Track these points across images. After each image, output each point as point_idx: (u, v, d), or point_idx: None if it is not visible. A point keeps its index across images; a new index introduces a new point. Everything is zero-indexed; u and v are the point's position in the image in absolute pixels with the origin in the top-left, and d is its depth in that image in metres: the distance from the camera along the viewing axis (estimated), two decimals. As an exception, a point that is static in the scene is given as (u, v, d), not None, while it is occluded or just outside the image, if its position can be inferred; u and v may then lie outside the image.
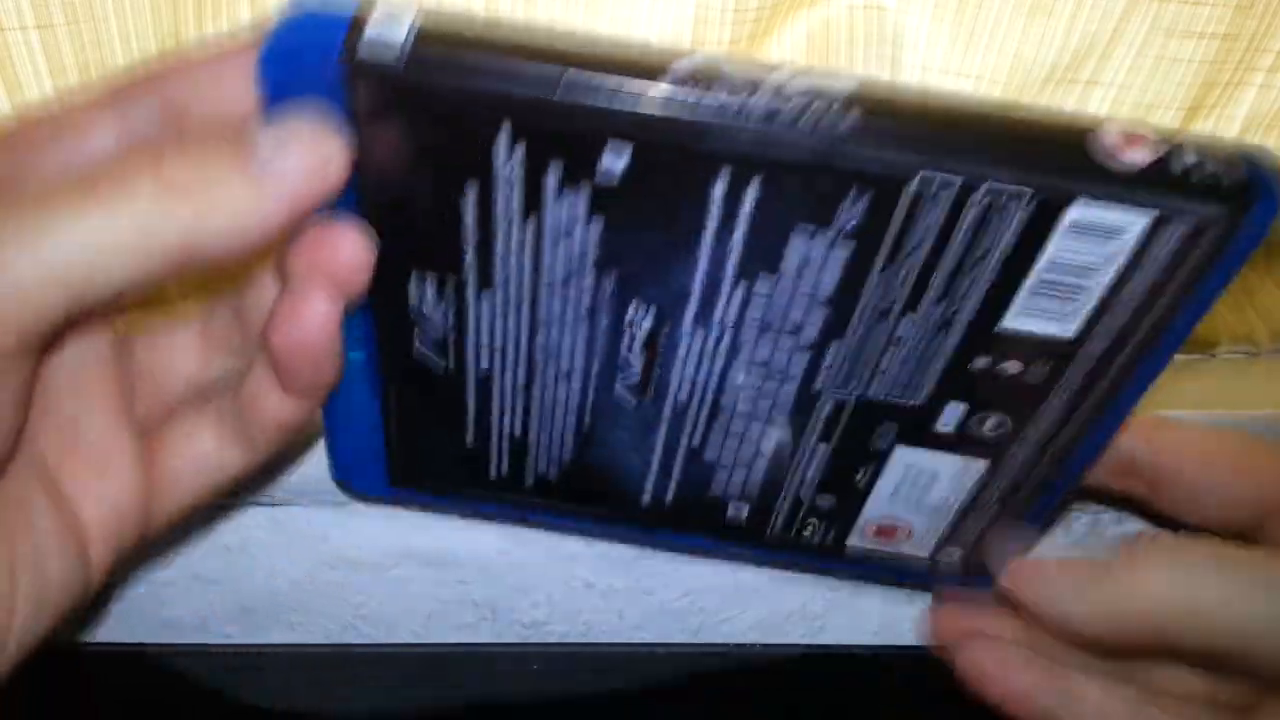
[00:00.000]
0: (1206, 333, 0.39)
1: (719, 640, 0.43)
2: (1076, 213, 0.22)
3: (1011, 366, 0.25)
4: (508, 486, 0.30)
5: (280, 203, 0.19)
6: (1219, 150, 0.22)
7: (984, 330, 0.24)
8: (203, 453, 0.25)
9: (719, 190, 0.22)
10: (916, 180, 0.21)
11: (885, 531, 0.30)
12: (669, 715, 0.46)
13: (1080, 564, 0.27)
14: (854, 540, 0.31)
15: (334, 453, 0.30)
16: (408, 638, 0.42)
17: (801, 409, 0.27)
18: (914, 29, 0.33)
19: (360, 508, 0.37)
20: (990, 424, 0.26)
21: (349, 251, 0.21)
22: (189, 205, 0.18)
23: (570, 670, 0.43)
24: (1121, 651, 0.27)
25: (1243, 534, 0.27)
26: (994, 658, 0.29)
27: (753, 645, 0.43)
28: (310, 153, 0.19)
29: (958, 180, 0.21)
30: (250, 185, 0.19)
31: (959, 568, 0.31)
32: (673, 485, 0.29)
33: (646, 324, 0.25)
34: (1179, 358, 0.42)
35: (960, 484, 0.28)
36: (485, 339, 0.26)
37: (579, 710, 0.44)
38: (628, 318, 0.25)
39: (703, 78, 0.20)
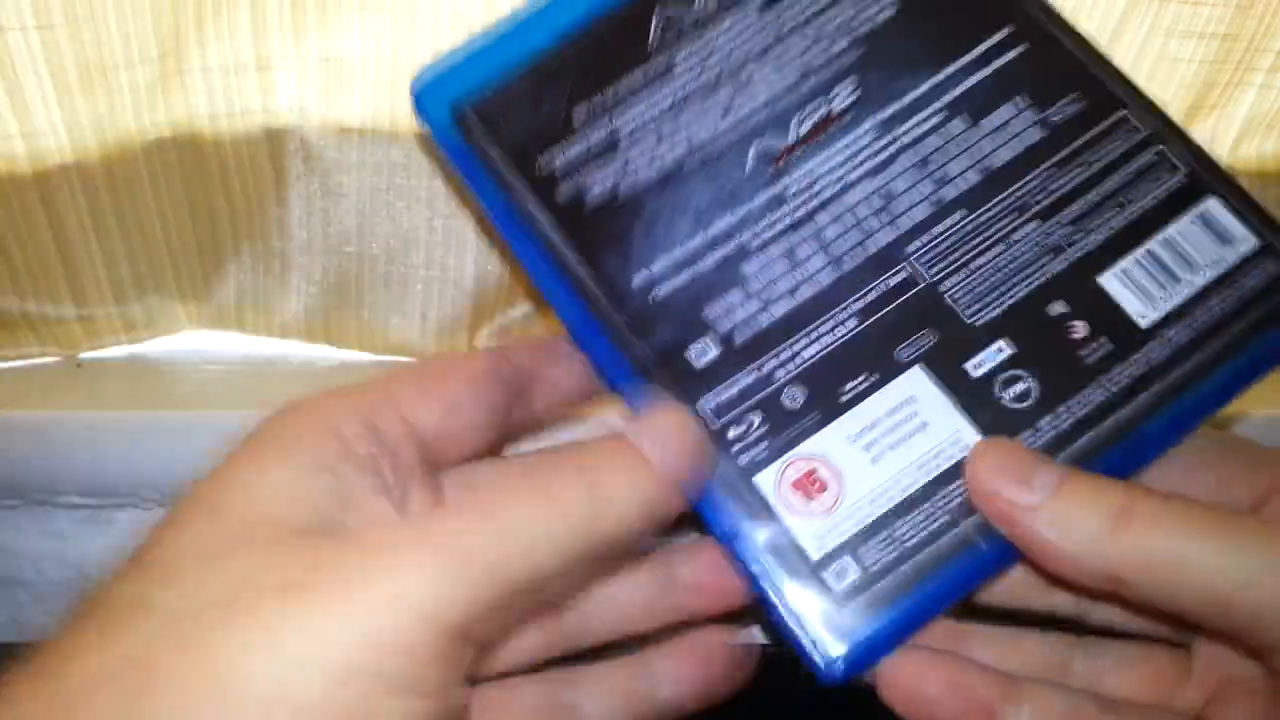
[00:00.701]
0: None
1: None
2: (1209, 205, 0.26)
3: (1079, 329, 0.25)
4: None
5: (674, 487, 0.23)
6: None
7: (1083, 274, 0.26)
8: None
9: (994, 39, 0.27)
10: (1120, 113, 0.27)
11: (805, 483, 0.25)
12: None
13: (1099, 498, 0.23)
14: (764, 478, 0.25)
15: None
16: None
17: (876, 265, 0.26)
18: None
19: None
20: (1016, 390, 0.25)
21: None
22: (614, 507, 0.22)
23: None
24: (1088, 592, 0.25)
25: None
26: (920, 669, 0.25)
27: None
28: (685, 438, 0.24)
29: (1145, 131, 0.26)
30: (654, 479, 0.22)
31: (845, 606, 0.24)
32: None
33: (838, 106, 0.28)
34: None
35: (939, 455, 0.25)
36: None
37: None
38: (832, 92, 0.28)
39: None
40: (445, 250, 0.36)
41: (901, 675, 0.24)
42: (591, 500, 0.21)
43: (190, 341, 0.39)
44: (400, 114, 0.34)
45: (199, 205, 0.35)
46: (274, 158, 0.34)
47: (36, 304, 0.35)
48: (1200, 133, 0.37)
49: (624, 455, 0.22)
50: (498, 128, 0.28)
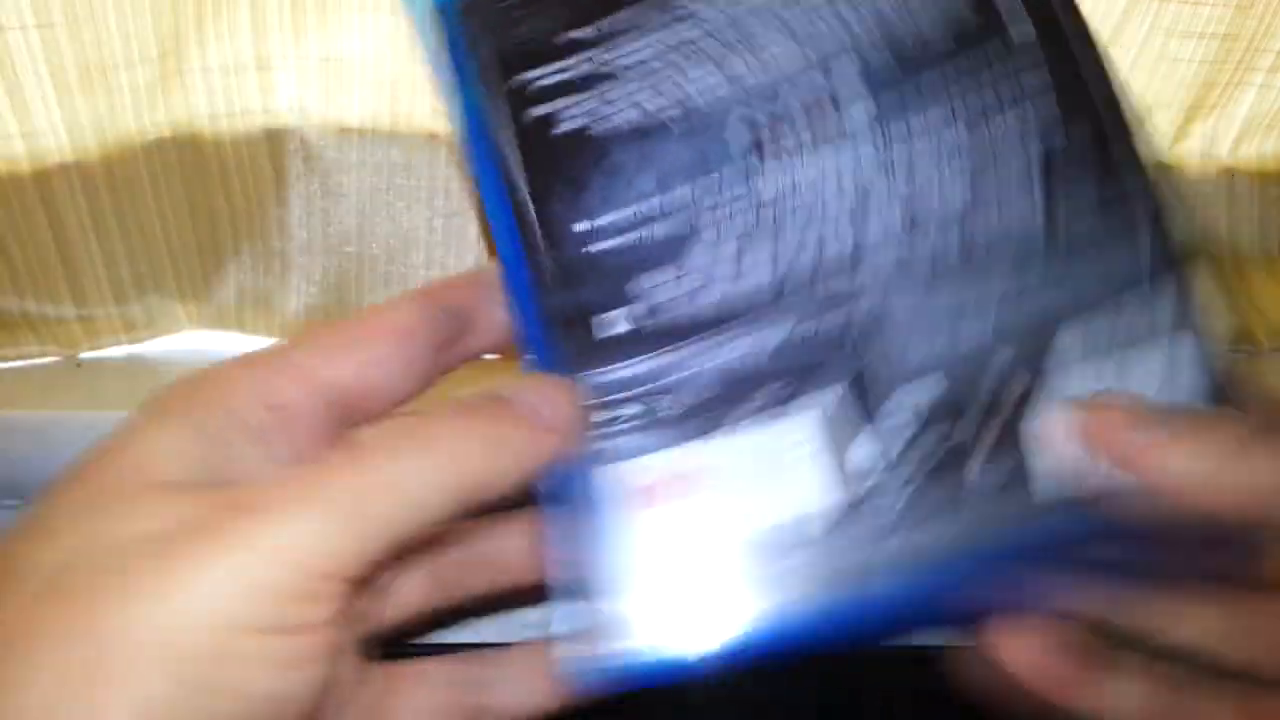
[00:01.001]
0: (1206, 332, 0.39)
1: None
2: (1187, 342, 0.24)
3: (980, 453, 0.24)
4: None
5: (548, 454, 0.23)
6: None
7: (1016, 418, 0.24)
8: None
9: (1029, 89, 0.25)
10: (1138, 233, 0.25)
11: (648, 492, 0.24)
12: (671, 713, 0.46)
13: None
14: (612, 471, 0.24)
15: None
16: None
17: (822, 297, 0.25)
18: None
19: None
20: (898, 474, 0.24)
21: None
22: (487, 460, 0.22)
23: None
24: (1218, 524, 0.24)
25: None
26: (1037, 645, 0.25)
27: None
28: (565, 405, 0.24)
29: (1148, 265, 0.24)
30: (529, 437, 0.23)
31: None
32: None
33: (845, 110, 0.25)
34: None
35: (788, 515, 0.24)
36: None
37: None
38: (843, 92, 0.26)
39: None
40: (445, 250, 0.36)
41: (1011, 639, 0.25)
42: (465, 454, 0.21)
43: (190, 341, 0.39)
44: (400, 114, 0.34)
45: (199, 205, 0.35)
46: (274, 158, 0.34)
47: (36, 304, 0.35)
48: (1200, 132, 0.37)
49: (503, 411, 0.23)
50: (493, 26, 0.26)
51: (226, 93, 0.33)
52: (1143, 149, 0.25)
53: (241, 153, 0.34)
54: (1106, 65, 0.25)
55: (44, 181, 0.33)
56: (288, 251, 0.36)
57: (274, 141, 0.34)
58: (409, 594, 0.27)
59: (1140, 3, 0.33)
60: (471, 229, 0.36)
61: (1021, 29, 0.25)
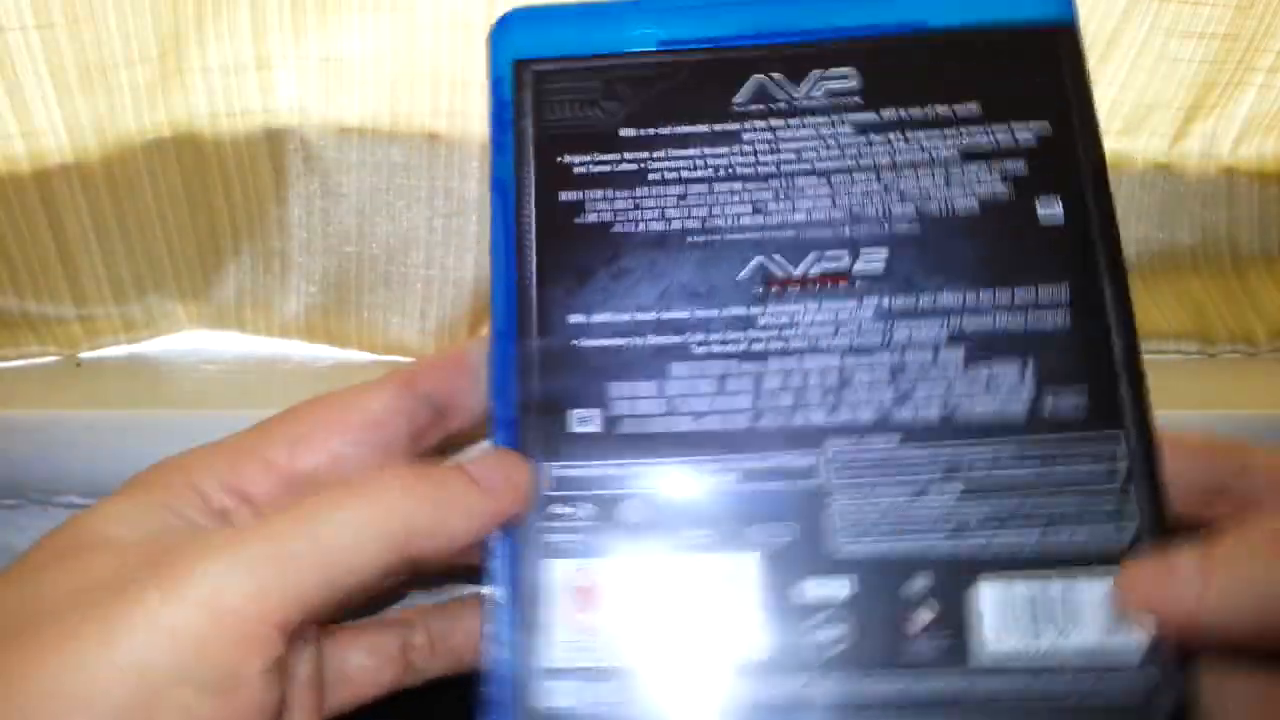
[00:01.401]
0: (1206, 332, 0.39)
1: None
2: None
3: (925, 615, 0.24)
4: None
5: (492, 514, 0.23)
6: None
7: (969, 568, 0.24)
8: None
9: (1043, 289, 0.25)
10: (1115, 432, 0.24)
11: (586, 595, 0.24)
12: None
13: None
14: (556, 566, 0.24)
15: None
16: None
17: (790, 438, 0.25)
18: None
19: None
20: (830, 633, 0.24)
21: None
22: (431, 506, 0.22)
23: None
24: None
25: None
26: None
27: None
28: (517, 480, 0.24)
29: (1124, 463, 0.24)
30: (479, 497, 0.23)
31: None
32: None
33: (858, 269, 0.25)
34: (1179, 357, 0.42)
35: (710, 652, 0.24)
36: None
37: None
38: (861, 252, 0.26)
39: None
40: (445, 250, 0.36)
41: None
42: (406, 505, 0.22)
43: (190, 341, 0.39)
44: (400, 114, 0.34)
45: (199, 205, 0.35)
46: (274, 158, 0.34)
47: (36, 304, 0.35)
48: (1200, 132, 0.37)
49: (453, 470, 0.23)
50: (547, 100, 0.27)
51: (226, 93, 0.33)
52: (1148, 407, 0.24)
53: (241, 152, 0.34)
54: (1127, 286, 0.25)
55: (44, 181, 0.33)
56: (288, 251, 0.36)
57: (274, 141, 0.34)
58: (368, 673, 0.27)
59: (1140, 3, 0.33)
60: (471, 229, 0.36)
61: (1050, 209, 0.25)
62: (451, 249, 0.36)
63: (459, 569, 0.27)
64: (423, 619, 0.28)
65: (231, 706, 0.20)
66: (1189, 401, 0.36)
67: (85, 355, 0.37)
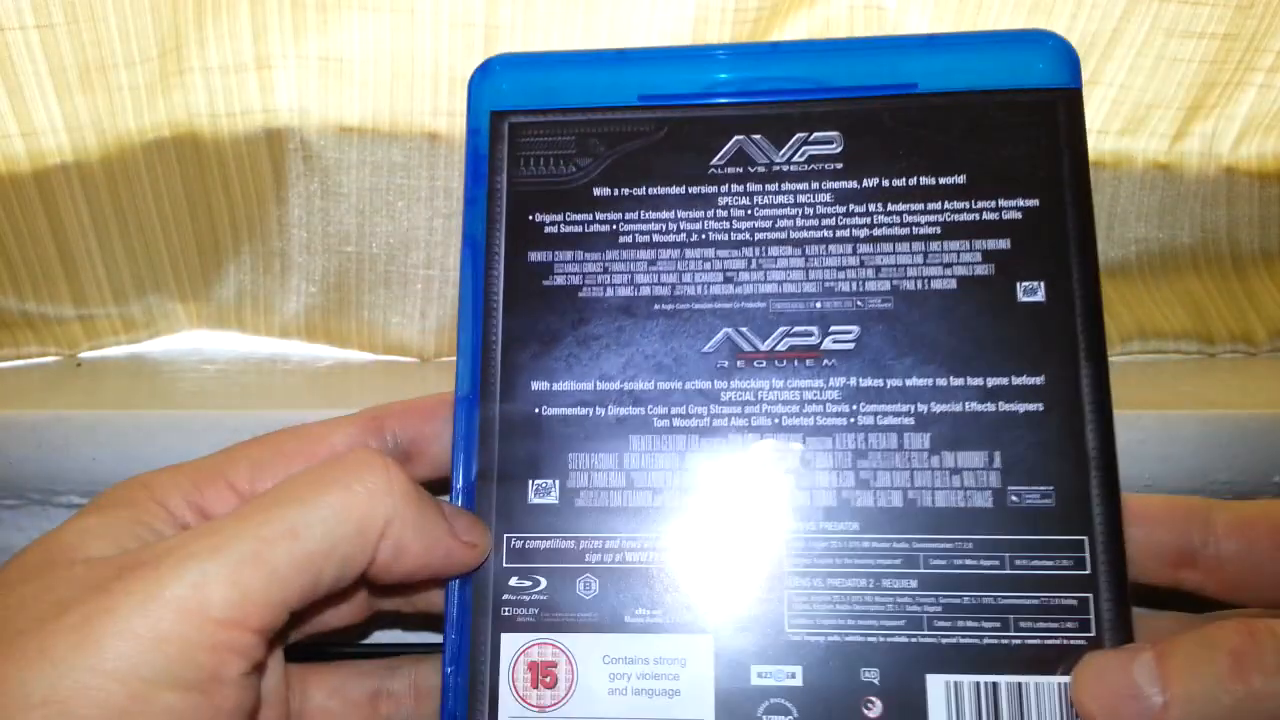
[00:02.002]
0: (1206, 333, 0.39)
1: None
2: None
3: (874, 707, 0.23)
4: None
5: (452, 552, 0.23)
6: None
7: (919, 663, 0.23)
8: None
9: (1019, 382, 0.24)
10: (1080, 538, 0.24)
11: (539, 670, 0.24)
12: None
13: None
14: (510, 640, 0.24)
15: None
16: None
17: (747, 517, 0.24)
18: (914, 29, 0.33)
19: None
20: None
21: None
22: (403, 505, 0.22)
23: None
24: None
25: None
26: None
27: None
28: (476, 537, 0.24)
29: (1087, 572, 0.23)
30: (448, 532, 0.23)
31: None
32: None
33: (827, 346, 0.25)
34: (1179, 357, 0.42)
35: None
36: None
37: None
38: (831, 329, 0.25)
39: None
40: (445, 250, 0.36)
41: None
42: (373, 503, 0.22)
43: (190, 341, 0.39)
44: (400, 114, 0.34)
45: (199, 205, 0.35)
46: (274, 158, 0.34)
47: (36, 304, 0.35)
48: (1200, 132, 0.37)
49: (430, 500, 0.23)
50: (522, 155, 0.26)
51: (226, 93, 0.33)
52: (1119, 507, 0.23)
53: (241, 152, 0.34)
54: (1107, 376, 0.24)
55: (44, 181, 0.33)
56: (288, 251, 0.36)
57: (274, 141, 0.34)
58: (329, 717, 0.27)
59: (1140, 3, 0.33)
60: (471, 229, 0.36)
61: (1030, 288, 0.24)
62: (451, 249, 0.36)
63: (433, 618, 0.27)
64: (413, 666, 0.27)
65: (213, 707, 0.20)
66: (1189, 401, 0.36)
67: (85, 355, 0.37)
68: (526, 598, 0.24)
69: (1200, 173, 0.37)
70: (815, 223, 0.25)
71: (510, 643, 0.24)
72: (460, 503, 0.25)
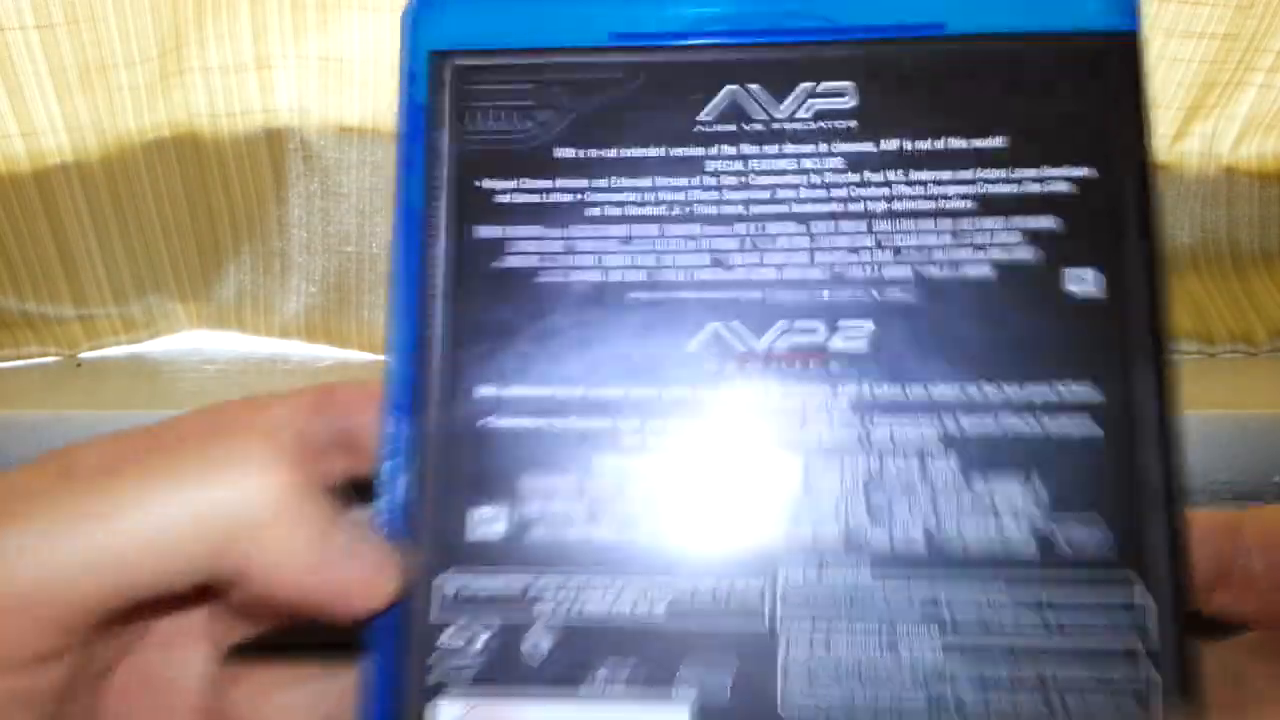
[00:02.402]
0: (1206, 333, 0.39)
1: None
2: None
3: None
4: None
5: (351, 588, 0.19)
6: None
7: None
8: None
9: (1066, 391, 0.20)
10: (1133, 582, 0.19)
11: None
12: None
13: None
14: (443, 707, 0.20)
15: None
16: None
17: (735, 563, 0.20)
18: (914, 29, 0.33)
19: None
20: None
21: None
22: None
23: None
24: None
25: None
26: None
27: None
28: (382, 573, 0.19)
29: (1138, 622, 0.19)
30: (336, 565, 0.19)
31: None
32: None
33: (834, 347, 0.20)
34: (1179, 358, 0.42)
35: None
36: None
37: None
38: (840, 324, 0.21)
39: None
40: (445, 250, 0.36)
41: None
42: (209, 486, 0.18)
43: (190, 341, 0.39)
44: (400, 114, 0.34)
45: (199, 205, 0.35)
46: (274, 158, 0.34)
47: (36, 304, 0.35)
48: (1200, 132, 0.37)
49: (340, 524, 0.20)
50: (469, 106, 0.21)
51: (226, 93, 0.33)
52: (1186, 547, 0.19)
53: (241, 152, 0.34)
54: (1176, 388, 0.20)
55: (44, 181, 0.33)
56: (288, 251, 0.36)
57: (274, 141, 0.34)
58: None
59: (1140, 3, 0.33)
60: (471, 229, 0.36)
61: (1082, 282, 0.20)
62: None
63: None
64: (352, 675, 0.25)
65: (26, 686, 0.18)
66: (1188, 402, 0.36)
67: (85, 355, 0.37)
68: (465, 655, 0.19)
69: (1200, 173, 0.37)
70: (823, 194, 0.21)
71: (444, 712, 0.19)
72: (385, 531, 0.20)
